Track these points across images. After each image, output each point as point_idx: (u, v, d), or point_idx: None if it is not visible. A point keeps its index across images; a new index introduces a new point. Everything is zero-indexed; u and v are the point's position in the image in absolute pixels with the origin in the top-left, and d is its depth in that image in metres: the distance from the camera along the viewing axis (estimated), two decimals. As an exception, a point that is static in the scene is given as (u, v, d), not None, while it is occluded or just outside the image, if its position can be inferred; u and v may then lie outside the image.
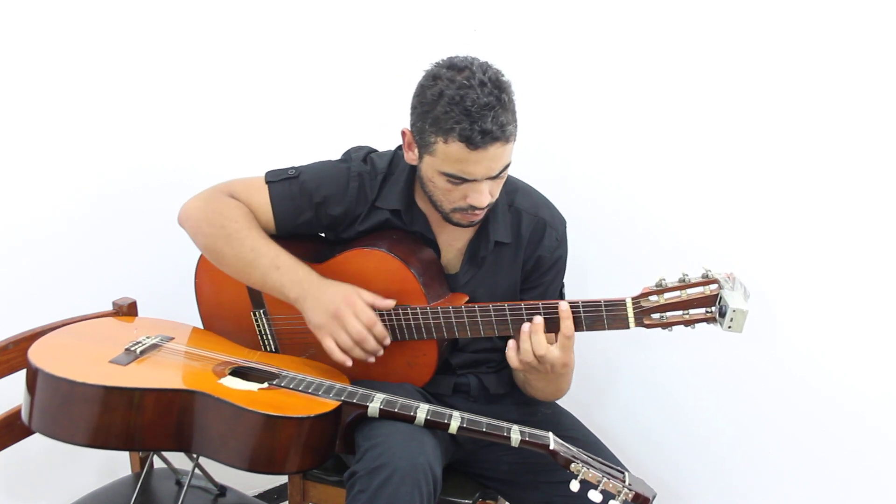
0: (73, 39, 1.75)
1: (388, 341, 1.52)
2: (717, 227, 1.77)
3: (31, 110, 1.73)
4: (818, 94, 1.58)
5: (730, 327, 1.30)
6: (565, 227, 1.67)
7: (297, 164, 1.64)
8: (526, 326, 1.44)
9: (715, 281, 1.36)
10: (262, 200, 1.60)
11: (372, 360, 1.52)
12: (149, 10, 1.83)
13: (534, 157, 2.04)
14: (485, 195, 1.45)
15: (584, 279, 1.88)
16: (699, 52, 1.76)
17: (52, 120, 1.76)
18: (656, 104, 1.85)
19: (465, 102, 1.36)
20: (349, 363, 1.50)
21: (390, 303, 1.51)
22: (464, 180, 1.43)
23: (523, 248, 1.62)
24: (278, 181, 1.61)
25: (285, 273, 1.52)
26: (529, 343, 1.44)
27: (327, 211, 1.61)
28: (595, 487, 1.30)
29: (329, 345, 1.50)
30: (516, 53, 2.10)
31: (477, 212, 1.49)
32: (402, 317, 1.54)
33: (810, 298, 1.64)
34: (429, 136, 1.42)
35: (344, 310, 1.48)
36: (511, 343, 1.48)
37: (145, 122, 1.89)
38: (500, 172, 1.44)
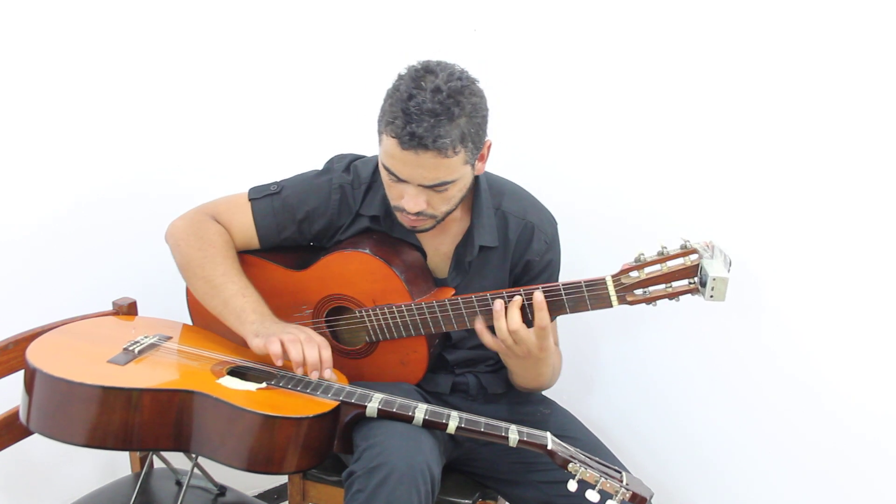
0: (79, 39, 1.75)
1: (327, 363, 1.45)
2: (715, 214, 1.77)
3: (32, 111, 1.74)
4: (792, 76, 1.59)
5: (712, 296, 1.28)
6: (556, 229, 1.66)
7: (279, 179, 1.65)
8: (498, 304, 1.44)
9: (694, 251, 1.35)
10: (246, 218, 1.62)
11: (314, 374, 1.43)
12: (154, 9, 1.84)
13: (532, 154, 2.05)
14: (414, 200, 1.44)
15: (580, 273, 1.86)
16: (687, 48, 1.76)
17: (53, 120, 1.76)
18: (650, 99, 1.85)
19: (408, 101, 1.36)
20: (280, 362, 1.42)
21: (331, 375, 1.47)
22: (398, 178, 1.43)
23: (511, 252, 1.62)
24: (261, 198, 1.62)
25: (250, 302, 1.51)
26: (504, 321, 1.44)
27: (311, 226, 1.63)
28: (593, 487, 1.30)
29: (274, 347, 1.42)
30: (516, 53, 2.11)
31: (410, 216, 1.47)
32: (387, 315, 1.54)
33: (805, 294, 1.63)
34: (379, 126, 1.44)
35: (299, 326, 1.48)
36: (479, 325, 1.48)
37: (146, 123, 1.89)
38: (437, 186, 1.43)
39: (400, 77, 1.43)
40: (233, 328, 1.50)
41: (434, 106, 1.35)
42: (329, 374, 1.45)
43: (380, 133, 1.45)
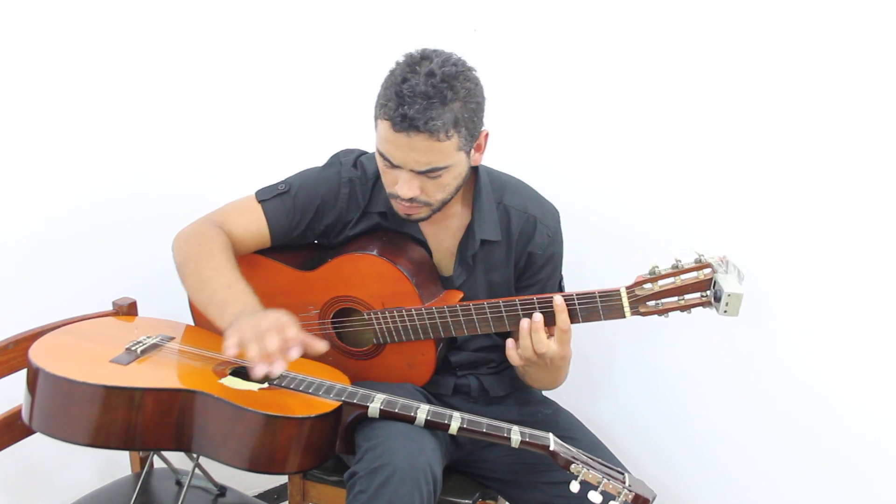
0: (79, 40, 1.75)
1: (293, 341, 1.32)
2: (718, 219, 1.78)
3: (32, 111, 1.73)
4: (800, 79, 1.59)
5: (726, 311, 1.29)
6: (558, 221, 1.66)
7: (282, 179, 1.64)
8: (525, 324, 1.44)
9: (708, 265, 1.36)
10: (258, 220, 1.61)
11: (276, 367, 1.30)
12: (154, 9, 1.84)
13: (532, 154, 2.05)
14: (407, 185, 1.44)
15: (580, 273, 1.87)
16: (690, 49, 1.77)
17: (53, 120, 1.76)
18: (651, 100, 1.85)
19: (402, 84, 1.38)
20: (231, 352, 1.31)
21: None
22: (391, 164, 1.44)
23: (514, 246, 1.62)
24: (271, 198, 1.61)
25: (235, 294, 1.45)
26: (530, 340, 1.44)
27: (320, 221, 1.62)
28: (595, 488, 1.30)
29: (231, 351, 1.32)
30: (516, 53, 2.11)
31: (404, 203, 1.47)
32: (397, 318, 1.54)
33: (806, 297, 1.63)
34: (375, 112, 1.45)
35: (265, 315, 1.37)
36: (510, 342, 1.48)
37: (146, 123, 1.89)
38: (430, 171, 1.43)
39: (396, 63, 1.44)
40: (215, 323, 1.43)
41: (427, 89, 1.36)
42: (295, 353, 1.32)
43: (375, 119, 1.45)
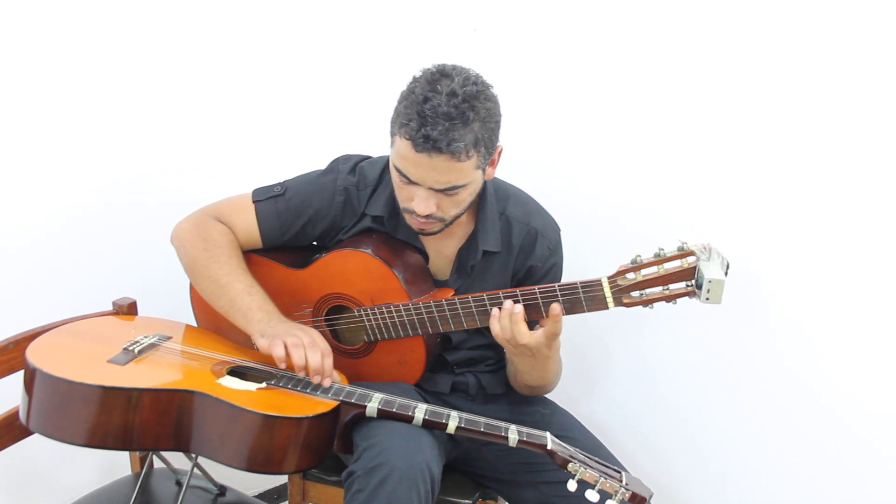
0: (79, 43, 1.76)
1: (328, 371, 1.44)
2: (719, 219, 1.77)
3: (32, 111, 1.74)
4: (789, 77, 1.58)
5: (707, 299, 1.28)
6: (559, 236, 1.66)
7: (283, 180, 1.65)
8: (507, 304, 1.43)
9: (691, 253, 1.34)
10: (250, 220, 1.62)
11: (316, 379, 1.43)
12: (155, 11, 1.84)
13: (531, 155, 2.05)
14: (424, 203, 1.44)
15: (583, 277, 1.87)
16: (687, 48, 1.76)
17: (53, 121, 1.77)
18: (651, 101, 1.85)
19: (423, 104, 1.36)
20: (283, 365, 1.43)
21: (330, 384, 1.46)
22: (409, 180, 1.43)
23: (514, 258, 1.61)
24: (264, 200, 1.62)
25: (256, 300, 1.51)
26: (511, 330, 1.43)
27: (314, 227, 1.63)
28: (592, 487, 1.31)
29: (278, 351, 1.42)
30: (516, 53, 2.10)
31: (419, 218, 1.47)
32: (385, 314, 1.54)
33: (806, 295, 1.63)
34: (392, 128, 1.44)
35: (304, 329, 1.48)
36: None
37: (146, 124, 1.89)
38: (449, 189, 1.42)
39: (415, 79, 1.43)
40: (239, 327, 1.51)
41: (449, 110, 1.35)
42: (328, 382, 1.44)
43: (392, 135, 1.44)
